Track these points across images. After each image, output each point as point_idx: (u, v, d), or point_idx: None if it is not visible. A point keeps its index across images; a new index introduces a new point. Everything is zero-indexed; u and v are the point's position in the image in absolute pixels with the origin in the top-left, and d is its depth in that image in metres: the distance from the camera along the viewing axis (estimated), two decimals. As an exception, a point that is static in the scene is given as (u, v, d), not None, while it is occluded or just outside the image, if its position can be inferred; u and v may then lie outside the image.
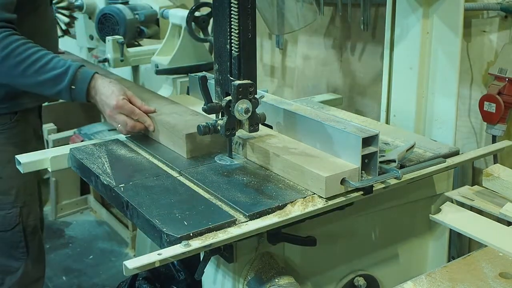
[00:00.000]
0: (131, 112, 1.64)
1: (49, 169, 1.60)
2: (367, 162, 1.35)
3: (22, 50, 1.62)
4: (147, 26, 2.89)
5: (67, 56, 2.33)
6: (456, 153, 1.58)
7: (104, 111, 1.66)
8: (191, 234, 1.14)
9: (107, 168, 1.48)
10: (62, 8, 2.95)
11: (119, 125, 1.64)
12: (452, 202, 1.52)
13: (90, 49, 3.25)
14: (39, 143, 2.09)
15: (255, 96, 1.42)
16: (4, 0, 1.67)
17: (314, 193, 1.30)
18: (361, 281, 1.56)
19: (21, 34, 1.66)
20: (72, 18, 3.09)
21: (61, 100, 2.42)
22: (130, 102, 1.65)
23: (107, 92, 1.64)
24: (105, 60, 2.67)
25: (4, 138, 1.88)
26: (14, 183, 1.91)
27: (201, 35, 2.59)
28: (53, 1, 2.09)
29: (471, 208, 1.49)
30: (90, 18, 3.14)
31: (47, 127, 3.24)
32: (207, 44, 2.74)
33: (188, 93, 2.07)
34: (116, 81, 1.70)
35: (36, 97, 1.86)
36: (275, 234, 1.33)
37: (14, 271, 1.98)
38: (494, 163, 1.76)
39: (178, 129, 1.55)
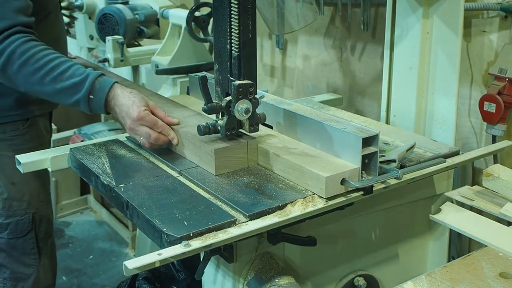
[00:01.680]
0: (154, 123, 1.53)
1: (49, 169, 1.60)
2: (367, 162, 1.35)
3: (40, 57, 1.56)
4: (147, 26, 2.89)
5: (79, 62, 2.33)
6: (456, 153, 1.58)
7: (125, 123, 1.56)
8: (191, 234, 1.14)
9: (107, 168, 1.48)
10: (62, 8, 2.95)
11: (141, 138, 1.54)
12: (452, 202, 1.52)
13: (90, 49, 3.25)
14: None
15: (255, 96, 1.42)
16: (21, 3, 1.63)
17: (314, 193, 1.30)
18: (361, 281, 1.56)
19: (39, 40, 1.62)
20: (72, 18, 3.09)
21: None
22: (153, 113, 1.55)
23: (128, 103, 1.54)
24: (105, 60, 2.67)
25: (16, 144, 1.87)
26: (27, 190, 1.90)
27: (201, 35, 2.59)
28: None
29: (471, 208, 1.49)
30: (90, 18, 3.14)
31: (47, 127, 3.25)
32: (207, 44, 2.73)
33: (188, 93, 2.07)
34: (137, 92, 1.61)
35: (47, 103, 1.83)
36: (275, 234, 1.33)
37: (26, 277, 1.96)
38: (494, 163, 1.76)
39: (205, 144, 1.44)
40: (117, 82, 1.60)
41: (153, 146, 1.55)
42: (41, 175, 1.94)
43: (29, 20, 1.63)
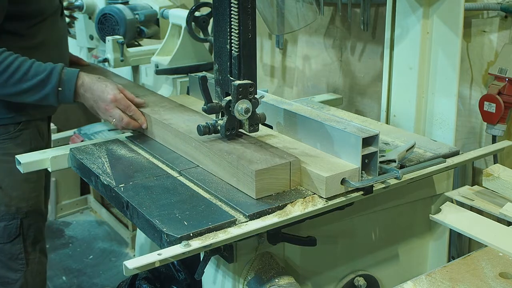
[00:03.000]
0: (127, 107, 1.64)
1: (49, 169, 1.60)
2: (367, 162, 1.35)
3: (0, 60, 1.61)
4: (147, 26, 2.89)
5: (91, 70, 2.23)
6: (456, 153, 1.58)
7: (98, 106, 1.65)
8: (191, 234, 1.14)
9: (107, 168, 1.48)
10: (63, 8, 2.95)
11: (114, 120, 1.64)
12: (452, 202, 1.52)
13: (90, 49, 3.25)
14: None
15: (255, 96, 1.42)
16: None
17: (314, 193, 1.30)
18: (361, 281, 1.56)
19: (29, 45, 1.68)
20: (72, 18, 3.09)
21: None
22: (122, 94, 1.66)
23: (100, 87, 1.64)
24: (105, 60, 2.66)
25: (6, 148, 1.84)
26: (15, 194, 1.88)
27: (201, 35, 2.58)
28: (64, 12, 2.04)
29: (471, 208, 1.49)
30: (90, 18, 3.13)
31: (47, 127, 3.25)
32: (207, 44, 2.73)
33: (188, 93, 2.07)
34: (103, 77, 1.71)
35: (41, 108, 1.83)
36: (275, 234, 1.33)
37: (13, 283, 1.94)
38: (494, 163, 1.76)
39: (243, 163, 1.30)
40: (80, 71, 1.67)
41: (124, 129, 1.66)
42: (33, 180, 1.90)
43: None
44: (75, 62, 2.24)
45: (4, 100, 1.78)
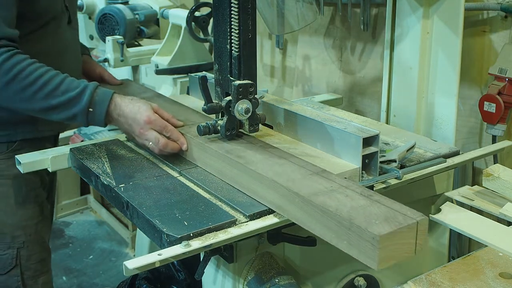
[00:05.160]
0: (163, 127, 1.48)
1: (49, 169, 1.60)
2: (367, 162, 1.35)
3: (29, 72, 1.46)
4: (147, 26, 2.89)
5: (127, 88, 2.05)
6: (456, 153, 1.58)
7: (133, 130, 1.50)
8: (191, 235, 1.14)
9: (107, 168, 1.48)
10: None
11: (150, 143, 1.48)
12: (452, 202, 1.52)
13: (90, 49, 3.25)
14: (49, 178, 1.87)
15: (255, 96, 1.42)
16: (6, 14, 1.49)
17: (314, 193, 1.29)
18: (361, 281, 1.56)
19: (25, 53, 1.50)
20: (72, 18, 3.08)
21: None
22: (157, 114, 1.51)
23: (133, 109, 1.49)
24: (105, 60, 2.66)
25: None
26: (9, 221, 1.70)
27: (201, 35, 2.59)
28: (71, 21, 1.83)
29: (471, 208, 1.49)
30: (90, 18, 3.14)
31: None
32: (207, 44, 2.73)
33: (188, 93, 2.07)
34: (136, 98, 1.56)
35: (49, 125, 1.70)
36: (275, 234, 1.33)
37: None
38: (494, 163, 1.76)
39: (357, 224, 1.02)
40: (115, 92, 1.54)
41: (162, 152, 1.49)
42: (29, 206, 1.74)
43: (13, 33, 1.51)
44: (100, 78, 2.02)
45: None
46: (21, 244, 1.72)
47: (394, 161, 1.42)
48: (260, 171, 1.25)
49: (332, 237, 1.08)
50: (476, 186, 1.57)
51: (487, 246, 1.29)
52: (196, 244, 1.12)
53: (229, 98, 1.41)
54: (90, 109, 1.49)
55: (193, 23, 2.53)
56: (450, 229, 1.58)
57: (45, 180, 1.81)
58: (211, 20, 2.48)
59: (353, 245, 1.03)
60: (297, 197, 1.15)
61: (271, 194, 1.22)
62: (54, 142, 1.86)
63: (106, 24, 2.81)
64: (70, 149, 1.61)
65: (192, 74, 1.98)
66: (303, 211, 1.13)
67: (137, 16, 2.82)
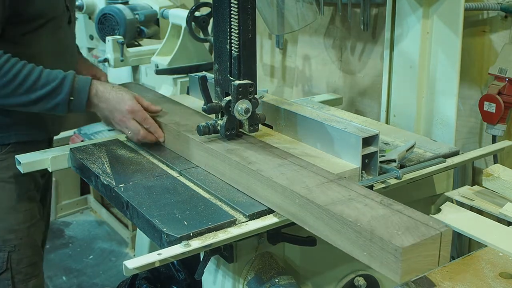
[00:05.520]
0: (144, 119, 1.55)
1: (49, 169, 1.60)
2: (367, 162, 1.35)
3: (7, 69, 1.48)
4: (147, 26, 2.89)
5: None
6: (456, 153, 1.58)
7: (113, 117, 1.56)
8: (191, 234, 1.14)
9: (107, 168, 1.48)
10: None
11: (130, 132, 1.56)
12: (452, 202, 1.52)
13: (90, 49, 3.25)
14: (44, 180, 1.88)
15: (255, 96, 1.42)
16: None
17: (314, 193, 1.29)
18: (361, 281, 1.56)
19: (24, 54, 1.54)
20: (72, 18, 3.08)
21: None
22: (139, 103, 1.57)
23: (116, 97, 1.55)
24: (105, 60, 2.67)
25: None
26: (0, 225, 1.69)
27: (201, 35, 2.59)
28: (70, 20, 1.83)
29: (471, 208, 1.49)
30: (90, 18, 3.14)
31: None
32: (207, 44, 2.74)
33: (188, 93, 2.07)
34: (118, 85, 1.62)
35: (43, 128, 1.73)
36: (275, 234, 1.33)
37: None
38: (494, 163, 1.76)
39: (378, 235, 0.98)
40: (93, 79, 1.58)
41: (140, 142, 1.58)
42: (21, 210, 1.72)
43: None
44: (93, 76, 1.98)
45: None
46: (12, 248, 1.71)
47: (394, 161, 1.42)
48: (275, 179, 1.21)
49: (351, 248, 1.03)
50: (476, 186, 1.57)
51: (487, 246, 1.29)
52: (196, 244, 1.12)
53: (229, 98, 1.41)
54: (71, 98, 1.53)
55: (193, 23, 2.53)
56: (450, 229, 1.57)
57: (38, 183, 1.80)
58: (211, 20, 2.48)
59: (374, 257, 0.99)
60: (314, 206, 1.10)
61: (286, 202, 1.18)
62: (48, 145, 1.85)
63: (106, 24, 2.81)
64: (70, 149, 1.61)
65: (192, 74, 1.98)
66: (320, 220, 1.09)
67: (137, 16, 2.82)
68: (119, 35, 2.73)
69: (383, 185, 1.37)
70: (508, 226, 1.37)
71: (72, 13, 1.83)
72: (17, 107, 1.56)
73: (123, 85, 1.93)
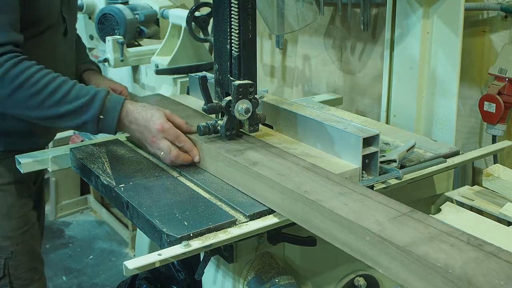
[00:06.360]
0: (176, 137, 1.43)
1: (49, 169, 1.60)
2: (367, 162, 1.35)
3: (37, 79, 1.40)
4: (147, 26, 2.89)
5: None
6: (456, 153, 1.58)
7: (145, 138, 1.45)
8: (191, 235, 1.14)
9: (107, 168, 1.48)
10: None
11: (162, 153, 1.44)
12: (452, 202, 1.52)
13: (90, 49, 3.25)
14: (37, 186, 1.86)
15: (255, 96, 1.42)
16: (11, 17, 1.44)
17: (315, 193, 1.29)
18: (361, 281, 1.56)
19: (31, 59, 1.44)
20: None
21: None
22: (170, 121, 1.45)
23: (146, 116, 1.44)
24: (105, 60, 2.67)
25: None
26: None
27: (201, 35, 2.59)
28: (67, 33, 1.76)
29: (471, 208, 1.49)
30: (90, 18, 3.14)
31: (47, 127, 3.24)
32: (207, 44, 2.74)
33: (188, 93, 2.07)
34: (148, 104, 1.51)
35: (34, 137, 1.68)
36: (275, 234, 1.32)
37: None
38: (494, 163, 1.76)
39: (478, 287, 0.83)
40: (126, 99, 1.48)
41: (173, 163, 1.44)
42: (14, 216, 1.70)
43: (19, 38, 1.46)
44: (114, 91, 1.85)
45: None
46: (8, 254, 1.68)
47: (394, 161, 1.42)
48: (337, 211, 1.05)
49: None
50: (476, 186, 1.57)
51: (487, 246, 1.29)
52: (196, 244, 1.12)
53: (229, 98, 1.41)
54: (101, 116, 1.43)
55: (193, 23, 2.54)
56: (450, 229, 1.57)
57: (31, 189, 1.79)
58: (211, 20, 2.49)
59: None
60: (392, 247, 0.94)
61: (350, 237, 1.03)
62: None
63: (106, 24, 2.81)
64: (70, 149, 1.61)
65: (192, 74, 1.98)
66: (397, 260, 0.93)
67: (137, 16, 2.83)
68: (119, 35, 2.73)
69: (384, 185, 1.37)
70: (508, 226, 1.37)
71: (69, 25, 1.76)
72: (43, 121, 1.47)
73: (147, 97, 1.86)
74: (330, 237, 1.09)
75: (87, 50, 2.05)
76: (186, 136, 1.46)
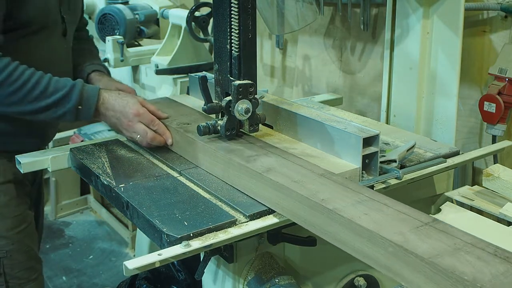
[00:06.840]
0: (151, 121, 1.53)
1: (49, 169, 1.60)
2: (367, 162, 1.35)
3: (16, 76, 1.47)
4: (147, 26, 2.89)
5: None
6: (456, 153, 1.58)
7: (121, 123, 1.55)
8: (191, 235, 1.14)
9: (107, 168, 1.48)
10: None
11: (138, 136, 1.53)
12: (452, 202, 1.52)
13: (90, 49, 3.25)
14: (35, 186, 1.88)
15: (255, 96, 1.42)
16: None
17: (315, 193, 1.29)
18: (361, 281, 1.56)
19: (23, 59, 1.51)
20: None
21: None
22: (144, 107, 1.55)
23: (121, 103, 1.54)
24: (105, 60, 2.67)
25: None
26: None
27: (201, 35, 2.59)
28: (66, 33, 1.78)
29: (471, 208, 1.49)
30: (90, 18, 3.14)
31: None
32: (207, 44, 2.74)
33: (188, 93, 2.07)
34: (123, 92, 1.62)
35: (29, 139, 1.70)
36: (275, 234, 1.32)
37: None
38: (494, 163, 1.76)
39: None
40: (101, 88, 1.57)
41: (149, 145, 1.55)
42: (9, 216, 1.70)
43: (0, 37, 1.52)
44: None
45: None
46: (4, 254, 1.70)
47: (394, 161, 1.42)
48: (359, 221, 1.00)
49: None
50: (476, 186, 1.57)
51: (487, 246, 1.29)
52: (196, 244, 1.12)
53: (229, 98, 1.41)
54: (79, 107, 1.52)
55: (193, 23, 2.54)
56: (450, 229, 1.57)
57: (28, 189, 1.79)
58: (211, 20, 2.49)
59: None
60: (415, 257, 0.91)
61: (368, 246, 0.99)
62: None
63: (106, 24, 2.81)
64: (70, 149, 1.61)
65: (192, 74, 1.98)
66: (420, 272, 0.90)
67: (137, 16, 2.82)
68: (119, 35, 2.73)
69: (384, 185, 1.37)
70: (508, 226, 1.37)
71: (69, 26, 1.77)
72: (24, 115, 1.55)
73: (155, 100, 1.88)
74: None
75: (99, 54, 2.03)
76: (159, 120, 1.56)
